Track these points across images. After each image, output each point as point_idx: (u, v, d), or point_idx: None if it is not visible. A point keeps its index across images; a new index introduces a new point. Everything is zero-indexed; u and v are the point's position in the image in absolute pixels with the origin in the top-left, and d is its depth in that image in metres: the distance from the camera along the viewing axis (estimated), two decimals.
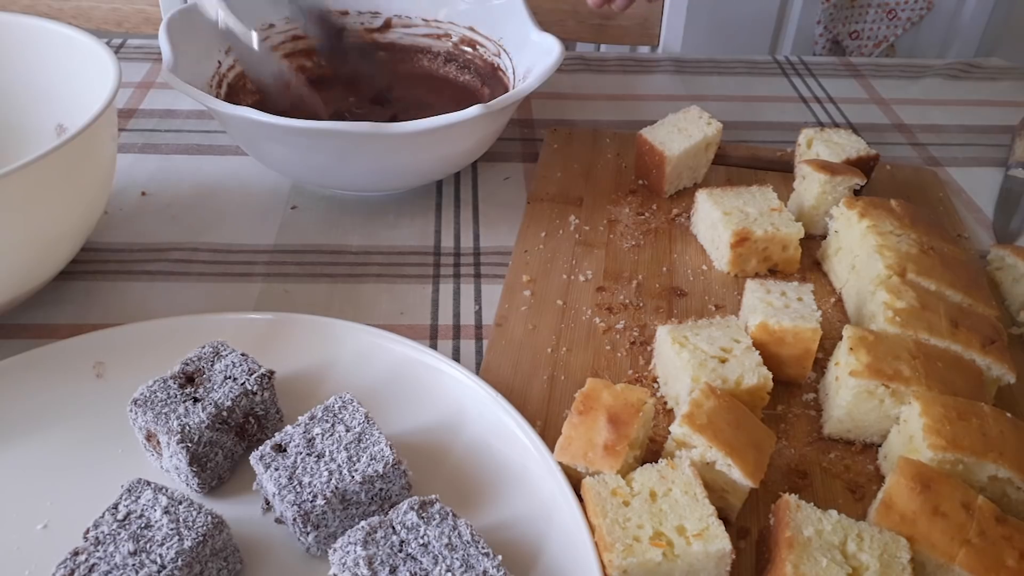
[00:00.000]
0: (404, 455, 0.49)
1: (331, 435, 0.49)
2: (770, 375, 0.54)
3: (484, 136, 0.75)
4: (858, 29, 1.79)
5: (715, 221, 0.70)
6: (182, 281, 0.69)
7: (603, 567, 0.44)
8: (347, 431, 0.49)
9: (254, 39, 0.76)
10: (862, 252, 0.66)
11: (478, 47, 0.89)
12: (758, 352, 0.56)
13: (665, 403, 0.59)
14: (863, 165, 0.76)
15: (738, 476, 0.48)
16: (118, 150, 0.84)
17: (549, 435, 0.53)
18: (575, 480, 0.49)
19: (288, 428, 0.50)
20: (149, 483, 0.46)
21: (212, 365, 0.53)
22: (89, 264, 0.69)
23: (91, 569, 0.42)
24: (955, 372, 0.55)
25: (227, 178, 0.81)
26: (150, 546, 0.43)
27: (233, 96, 0.81)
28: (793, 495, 0.47)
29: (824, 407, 0.58)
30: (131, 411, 0.50)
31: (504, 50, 0.86)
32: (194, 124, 0.89)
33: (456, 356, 0.63)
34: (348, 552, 0.43)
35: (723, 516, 0.47)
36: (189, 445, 0.48)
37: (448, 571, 0.43)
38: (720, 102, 1.00)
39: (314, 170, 0.73)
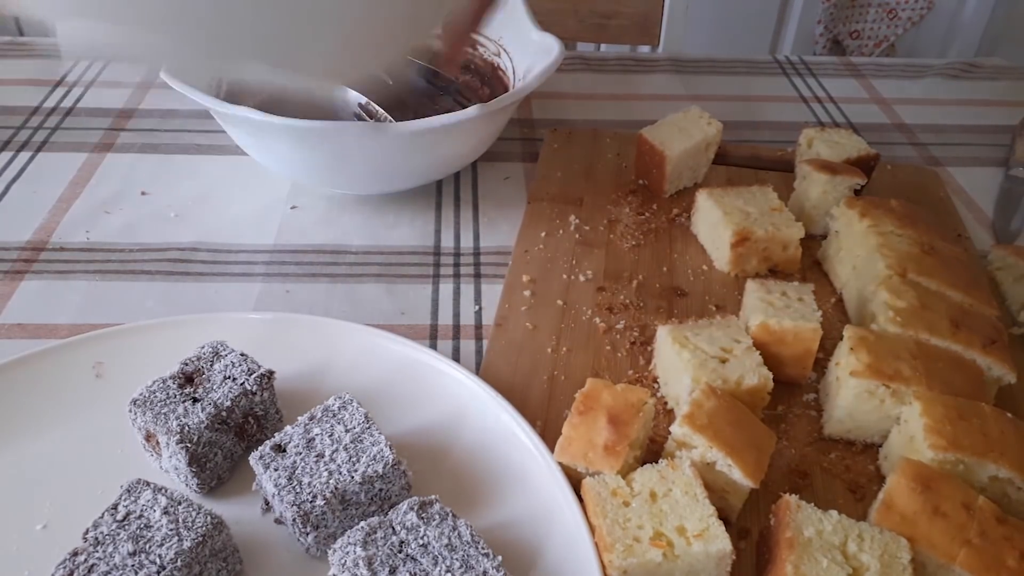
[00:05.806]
0: (404, 455, 0.49)
1: (331, 435, 0.49)
2: (770, 375, 0.54)
3: (484, 136, 0.75)
4: (858, 29, 1.79)
5: (715, 221, 0.70)
6: (182, 281, 0.69)
7: (603, 567, 0.44)
8: (347, 431, 0.49)
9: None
10: (863, 252, 0.66)
11: (478, 47, 0.89)
12: (758, 352, 0.56)
13: (665, 403, 0.59)
14: (863, 165, 0.76)
15: (738, 476, 0.48)
16: (118, 150, 0.84)
17: (549, 435, 0.53)
18: (575, 480, 0.49)
19: (288, 428, 0.50)
20: (149, 483, 0.46)
21: (212, 365, 0.53)
22: (89, 264, 0.69)
23: (90, 569, 0.42)
24: (956, 372, 0.55)
25: (227, 178, 0.81)
26: (149, 546, 0.43)
27: (233, 96, 0.80)
28: (793, 495, 0.47)
29: (824, 407, 0.58)
30: (131, 411, 0.50)
31: (504, 50, 0.86)
32: (194, 124, 0.89)
33: (456, 356, 0.63)
34: (348, 552, 0.43)
35: (723, 516, 0.46)
36: (188, 445, 0.48)
37: (448, 572, 0.43)
38: (720, 102, 1.00)
39: (314, 170, 0.73)
